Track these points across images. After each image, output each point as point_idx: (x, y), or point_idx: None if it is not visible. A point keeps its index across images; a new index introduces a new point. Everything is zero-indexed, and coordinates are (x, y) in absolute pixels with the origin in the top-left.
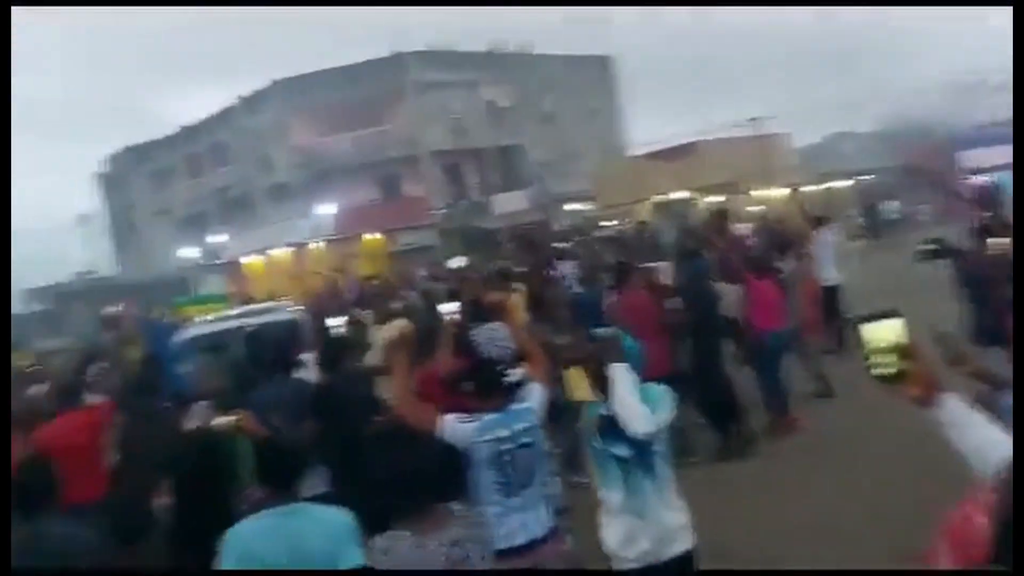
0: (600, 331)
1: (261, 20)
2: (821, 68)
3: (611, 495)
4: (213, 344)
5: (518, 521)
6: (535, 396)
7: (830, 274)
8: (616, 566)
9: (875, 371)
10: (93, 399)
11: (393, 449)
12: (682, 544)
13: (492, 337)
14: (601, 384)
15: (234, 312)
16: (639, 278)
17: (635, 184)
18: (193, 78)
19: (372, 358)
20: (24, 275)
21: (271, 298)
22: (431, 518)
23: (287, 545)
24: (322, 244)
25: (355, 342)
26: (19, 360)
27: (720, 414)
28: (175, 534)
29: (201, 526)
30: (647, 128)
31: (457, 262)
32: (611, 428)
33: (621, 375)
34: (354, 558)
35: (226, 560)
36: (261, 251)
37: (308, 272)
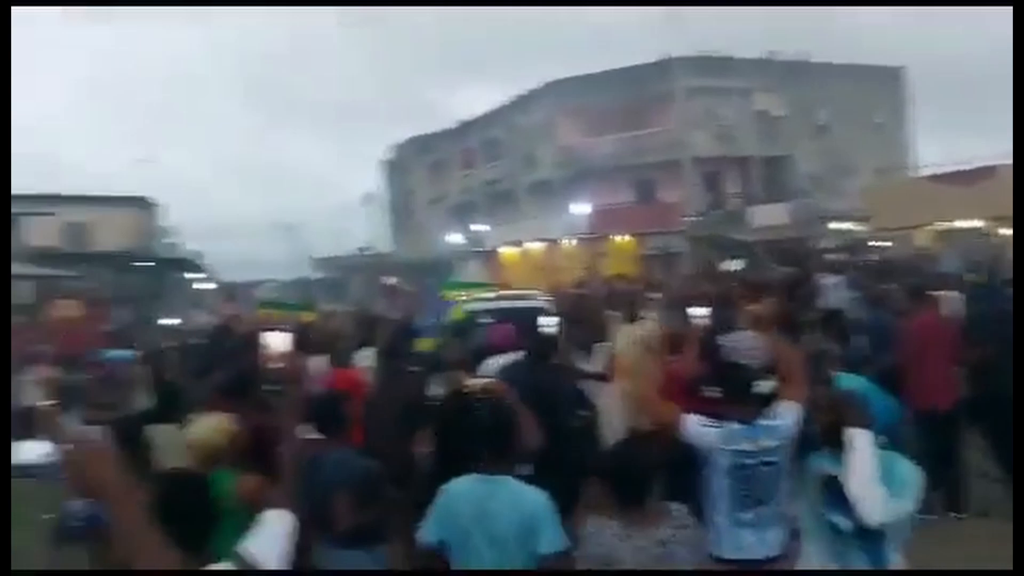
0: (846, 384)
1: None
2: None
3: (818, 562)
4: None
5: (750, 536)
6: (790, 415)
7: None
8: None
9: None
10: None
11: (626, 445)
12: None
13: (742, 345)
14: (834, 439)
15: (492, 296)
16: (932, 305)
17: (917, 207)
18: (473, 76)
19: (599, 359)
20: (316, 245)
21: (525, 288)
22: (645, 513)
23: (479, 510)
24: (574, 241)
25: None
26: (305, 318)
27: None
28: (433, 478)
29: (455, 474)
30: (937, 147)
31: (728, 265)
32: (835, 492)
33: (862, 444)
34: (554, 540)
35: (436, 509)
36: (517, 243)
37: (557, 267)
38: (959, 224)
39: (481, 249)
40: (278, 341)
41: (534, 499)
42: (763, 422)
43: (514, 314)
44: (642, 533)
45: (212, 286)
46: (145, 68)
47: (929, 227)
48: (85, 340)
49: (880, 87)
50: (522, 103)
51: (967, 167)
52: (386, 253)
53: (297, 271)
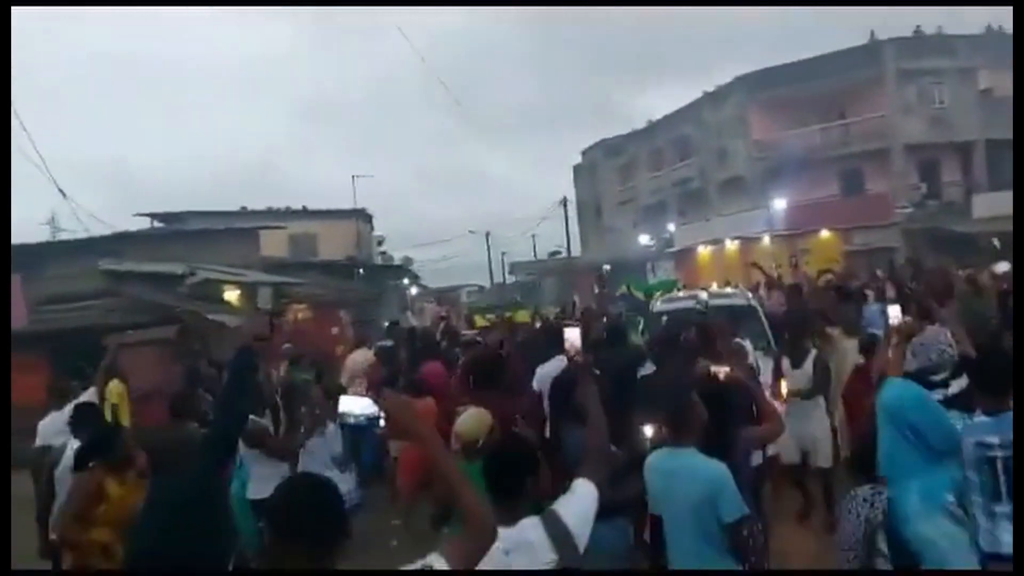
0: None
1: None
2: None
3: None
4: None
5: (1006, 533)
6: None
7: None
8: None
9: None
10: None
11: None
12: None
13: (932, 342)
14: None
15: (688, 295)
16: None
17: None
18: (660, 76)
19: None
20: (513, 250)
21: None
22: None
23: (664, 481)
24: (769, 238)
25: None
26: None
27: None
28: None
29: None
30: None
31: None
32: None
33: None
34: (734, 509)
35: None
36: (711, 242)
37: (749, 265)
38: None
39: (673, 249)
40: (573, 335)
41: (716, 471)
42: (1009, 415)
43: (718, 311)
44: None
45: (419, 290)
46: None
47: None
48: (318, 340)
49: None
50: (712, 99)
51: None
52: (577, 256)
53: (495, 275)
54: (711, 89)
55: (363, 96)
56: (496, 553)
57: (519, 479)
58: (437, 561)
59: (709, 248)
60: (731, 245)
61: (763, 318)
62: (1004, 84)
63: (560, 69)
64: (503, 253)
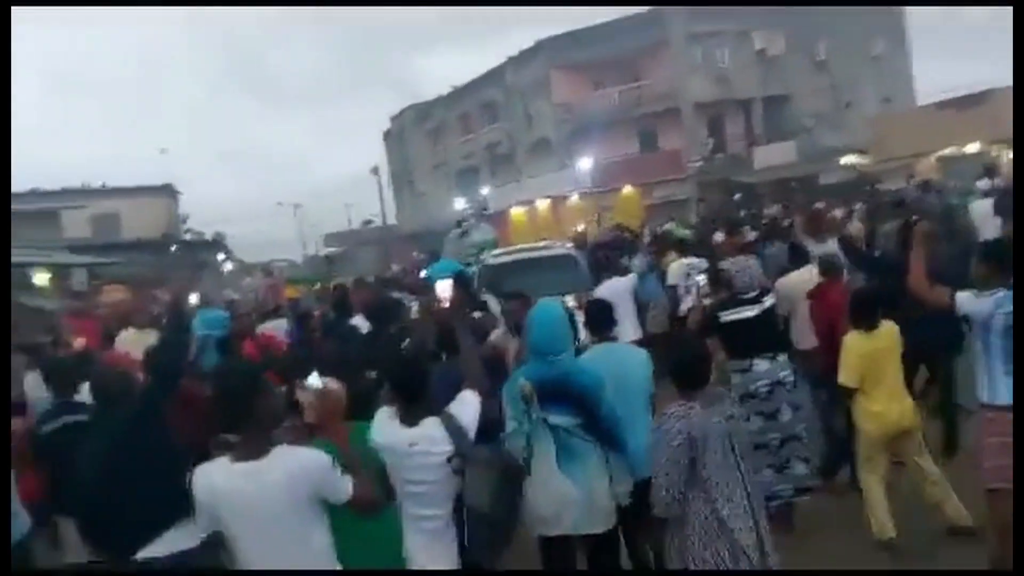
0: None
1: None
2: None
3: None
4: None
5: (1004, 384)
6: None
7: None
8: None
9: None
10: None
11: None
12: None
13: (743, 268)
14: None
15: (518, 248)
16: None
17: (917, 136)
18: (464, 41)
19: None
20: (326, 221)
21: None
22: (705, 395)
23: (614, 367)
24: (578, 196)
25: None
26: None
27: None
28: None
29: None
30: (936, 76)
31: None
32: None
33: None
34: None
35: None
36: (523, 203)
37: (564, 222)
38: (964, 150)
39: (487, 212)
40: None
41: (646, 355)
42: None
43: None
44: (714, 410)
45: (234, 265)
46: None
47: (931, 155)
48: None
49: (877, 18)
50: (515, 64)
51: (963, 93)
52: (393, 225)
53: (308, 248)
54: (514, 53)
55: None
56: (402, 447)
57: (421, 387)
58: (347, 483)
59: (522, 209)
60: (542, 205)
61: (581, 263)
62: (776, 44)
63: (360, 36)
64: (313, 226)
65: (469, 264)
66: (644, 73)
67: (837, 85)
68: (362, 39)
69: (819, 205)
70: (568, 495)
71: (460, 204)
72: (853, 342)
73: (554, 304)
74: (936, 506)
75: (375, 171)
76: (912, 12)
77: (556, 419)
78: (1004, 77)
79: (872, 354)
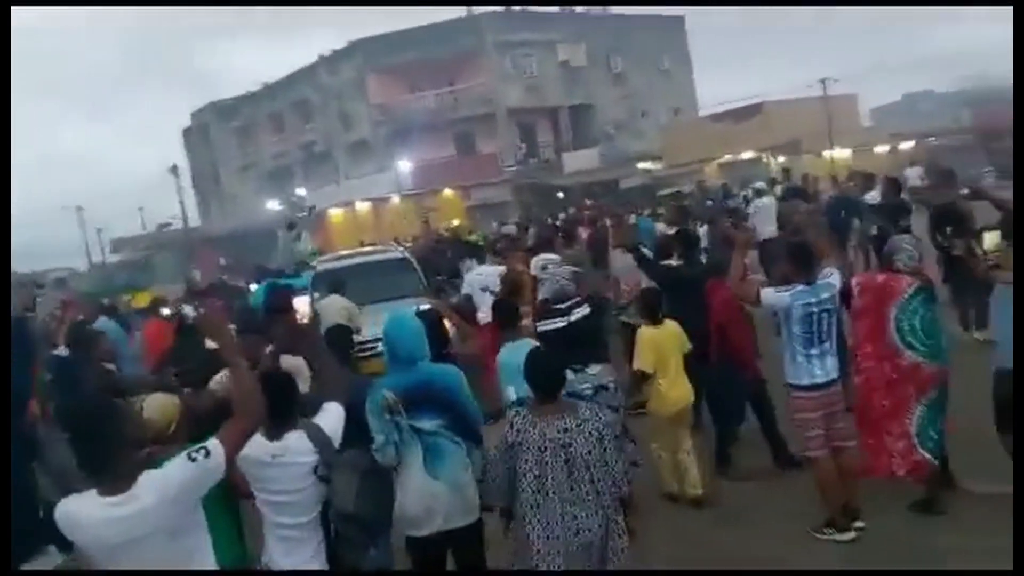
0: None
1: None
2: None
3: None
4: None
5: (817, 368)
6: (835, 275)
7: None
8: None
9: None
10: None
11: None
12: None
13: (552, 275)
14: None
15: (351, 252)
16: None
17: (701, 144)
18: (272, 38)
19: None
20: (114, 226)
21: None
22: (554, 405)
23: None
24: (399, 198)
25: None
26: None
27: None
28: None
29: None
30: (718, 89)
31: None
32: None
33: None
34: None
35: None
36: (343, 204)
37: (386, 224)
38: (740, 156)
39: (303, 214)
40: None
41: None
42: (820, 281)
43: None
44: (545, 420)
45: None
46: None
47: (714, 160)
48: None
49: (664, 35)
50: (329, 63)
51: (740, 105)
52: (196, 227)
53: (93, 254)
54: (327, 53)
55: None
56: (265, 458)
57: (287, 402)
58: (213, 444)
59: (341, 211)
60: (363, 207)
61: (416, 267)
62: (578, 56)
63: (153, 28)
64: (99, 230)
65: (298, 272)
66: (459, 78)
67: (633, 96)
68: (155, 31)
69: (619, 213)
70: (437, 494)
71: (274, 205)
72: (646, 334)
73: (407, 313)
74: (684, 471)
75: (174, 171)
76: (693, 31)
77: (422, 423)
78: (773, 91)
79: (660, 344)
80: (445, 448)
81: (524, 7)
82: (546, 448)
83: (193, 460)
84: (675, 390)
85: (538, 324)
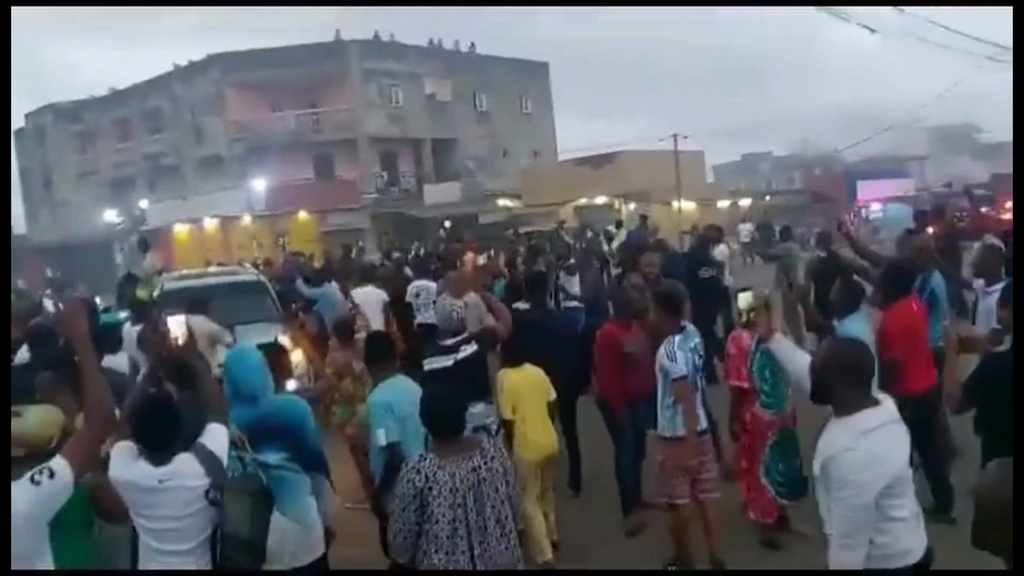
0: None
1: None
2: (747, 88)
3: None
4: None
5: (667, 417)
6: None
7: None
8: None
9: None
10: None
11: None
12: None
13: (443, 305)
14: None
15: (201, 272)
16: None
17: (559, 187)
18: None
19: None
20: None
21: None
22: (458, 444)
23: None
24: (251, 218)
25: None
26: None
27: None
28: None
29: None
30: (575, 134)
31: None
32: None
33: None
34: None
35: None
36: (189, 220)
37: (234, 244)
38: (594, 200)
39: (146, 227)
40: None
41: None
42: (687, 327)
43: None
44: (450, 460)
45: None
46: None
47: (571, 203)
48: None
49: (529, 79)
50: (184, 74)
51: (597, 153)
52: (21, 234)
53: None
54: (183, 63)
55: None
56: (150, 483)
57: (172, 424)
58: (57, 463)
59: (187, 227)
60: (211, 224)
61: (271, 291)
62: (444, 91)
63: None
64: None
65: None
66: (321, 101)
67: (496, 135)
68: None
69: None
70: (285, 530)
71: (112, 216)
72: (504, 376)
73: (249, 348)
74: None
75: None
76: (556, 78)
77: (267, 457)
78: (627, 140)
79: (519, 387)
80: (291, 482)
81: (392, 38)
82: (458, 490)
83: (37, 484)
84: (543, 436)
85: (425, 362)
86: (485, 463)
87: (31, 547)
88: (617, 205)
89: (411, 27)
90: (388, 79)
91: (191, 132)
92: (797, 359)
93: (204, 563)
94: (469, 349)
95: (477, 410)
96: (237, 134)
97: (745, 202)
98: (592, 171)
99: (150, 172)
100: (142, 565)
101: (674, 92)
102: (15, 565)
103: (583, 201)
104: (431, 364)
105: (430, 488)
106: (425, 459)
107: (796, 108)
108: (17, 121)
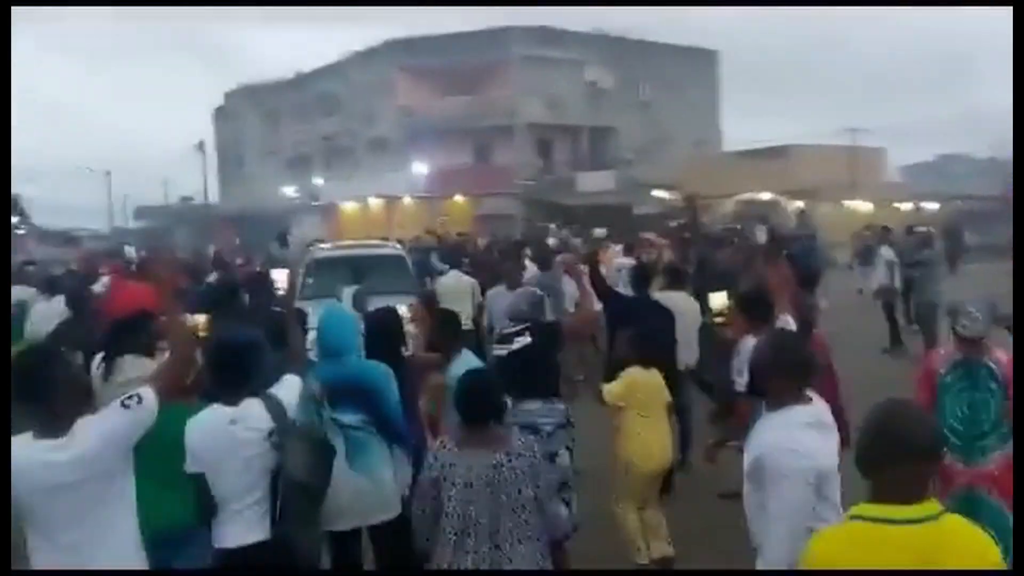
0: None
1: None
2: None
3: None
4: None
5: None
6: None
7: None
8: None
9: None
10: None
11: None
12: None
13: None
14: None
15: (349, 243)
16: None
17: (721, 179)
18: (307, 28)
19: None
20: (140, 193)
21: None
22: (484, 435)
23: None
24: (411, 199)
25: None
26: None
27: None
28: None
29: None
30: (743, 127)
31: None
32: None
33: None
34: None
35: None
36: (356, 198)
37: (395, 222)
38: (759, 196)
39: (318, 203)
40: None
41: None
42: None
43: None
44: (472, 451)
45: (26, 230)
46: None
47: (732, 197)
48: None
49: (697, 67)
50: (361, 59)
51: (765, 146)
52: (215, 204)
53: (116, 220)
54: (361, 48)
55: None
56: (224, 423)
57: (243, 369)
58: (145, 391)
59: (354, 204)
60: (376, 203)
61: (410, 266)
62: (606, 79)
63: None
64: (126, 196)
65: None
66: (483, 88)
67: (657, 124)
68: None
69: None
70: (358, 488)
71: (290, 191)
72: (628, 375)
73: (340, 307)
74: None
75: (200, 147)
76: (727, 66)
77: (345, 417)
78: (799, 135)
79: (648, 387)
80: (367, 443)
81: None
82: (471, 484)
83: (127, 407)
84: (658, 448)
85: (494, 348)
86: (508, 461)
87: (118, 466)
88: (783, 202)
89: (584, 14)
90: (548, 66)
91: (364, 115)
92: None
93: (264, 508)
94: (522, 341)
95: (532, 407)
96: (404, 118)
97: (932, 206)
98: (758, 164)
99: (325, 151)
100: (215, 525)
101: (854, 85)
102: (96, 486)
103: (746, 196)
104: (496, 351)
105: (444, 478)
106: (443, 444)
107: (1000, 108)
108: (216, 100)
